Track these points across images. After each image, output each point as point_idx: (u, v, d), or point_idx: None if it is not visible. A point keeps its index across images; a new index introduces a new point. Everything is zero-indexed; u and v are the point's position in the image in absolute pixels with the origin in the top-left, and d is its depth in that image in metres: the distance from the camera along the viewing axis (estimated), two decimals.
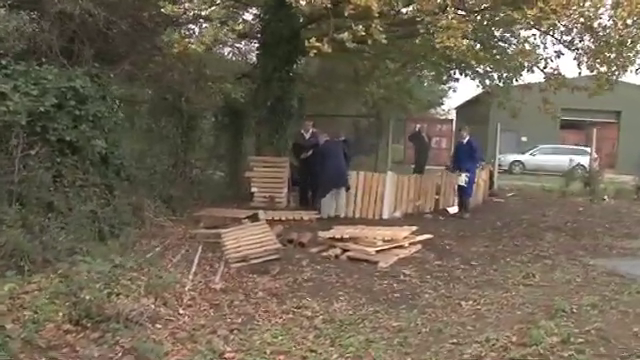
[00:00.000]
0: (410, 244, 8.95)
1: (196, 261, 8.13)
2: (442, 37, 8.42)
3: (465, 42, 8.60)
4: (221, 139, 14.66)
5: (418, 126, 22.15)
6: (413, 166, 19.46)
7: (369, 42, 8.14)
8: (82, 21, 7.91)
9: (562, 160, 27.62)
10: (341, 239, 8.93)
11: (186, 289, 6.93)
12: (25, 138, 7.23)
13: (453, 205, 13.19)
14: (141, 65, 10.03)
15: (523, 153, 29.65)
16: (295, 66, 14.07)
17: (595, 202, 15.86)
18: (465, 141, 12.75)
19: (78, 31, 8.19)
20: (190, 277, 7.41)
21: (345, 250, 8.74)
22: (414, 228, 9.57)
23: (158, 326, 5.73)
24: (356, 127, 26.67)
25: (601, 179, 18.00)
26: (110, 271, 6.37)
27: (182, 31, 10.09)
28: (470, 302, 6.54)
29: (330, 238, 9.07)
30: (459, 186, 12.60)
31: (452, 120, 29.98)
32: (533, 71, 13.96)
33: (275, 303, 6.73)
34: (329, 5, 8.34)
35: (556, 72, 11.48)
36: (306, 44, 8.31)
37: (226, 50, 19.74)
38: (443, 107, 42.27)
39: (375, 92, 23.86)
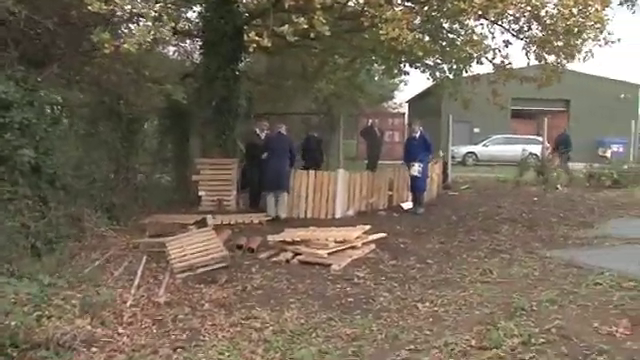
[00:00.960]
0: (363, 244, 8.70)
1: (139, 273, 7.73)
2: (387, 29, 8.19)
3: (411, 34, 8.38)
4: (166, 142, 14.20)
5: (370, 121, 22.08)
6: (366, 162, 19.34)
7: (312, 35, 7.83)
8: (1, 20, 7.39)
9: (515, 150, 27.83)
10: (292, 242, 8.63)
11: (127, 305, 6.54)
12: None
13: (407, 201, 13.02)
14: (76, 67, 9.51)
15: (476, 144, 29.81)
16: (240, 64, 13.70)
17: (549, 191, 15.93)
18: (417, 135, 12.56)
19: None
20: (132, 291, 7.01)
21: (297, 254, 8.45)
22: (367, 227, 9.33)
23: (94, 349, 5.35)
24: (307, 124, 26.40)
25: (554, 168, 18.11)
26: (42, 291, 5.95)
27: (119, 30, 9.57)
28: (427, 304, 6.31)
29: (281, 241, 8.75)
30: (412, 180, 12.40)
31: (404, 114, 30.05)
32: (482, 62, 13.94)
33: (223, 315, 6.38)
34: None
35: (505, 63, 11.40)
36: (245, 38, 7.97)
37: (171, 50, 19.28)
38: (395, 101, 42.38)
39: (325, 88, 23.65)
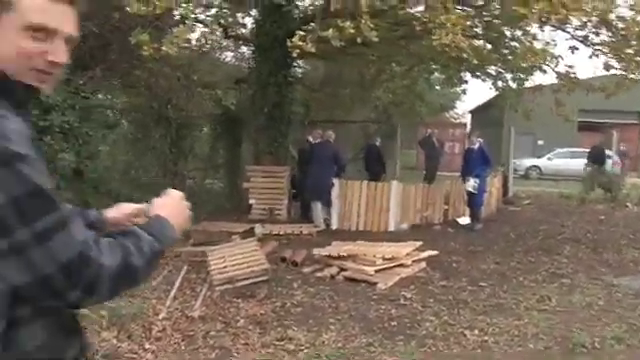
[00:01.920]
0: (413, 262, 8.20)
1: (177, 284, 7.47)
2: (441, 34, 7.70)
3: (466, 40, 7.87)
4: (218, 148, 14.04)
5: (429, 131, 21.48)
6: (424, 172, 18.83)
7: (359, 41, 7.43)
8: None
9: (581, 164, 26.80)
10: (338, 257, 8.22)
11: (159, 318, 6.26)
12: None
13: (464, 215, 12.44)
14: (123, 71, 9.40)
15: (540, 157, 28.75)
16: (294, 70, 13.41)
17: (617, 209, 15.03)
18: (476, 147, 11.96)
19: None
20: (167, 303, 6.73)
21: (342, 269, 8.03)
22: (418, 244, 8.83)
23: None
24: (365, 133, 25.97)
25: (623, 184, 17.13)
26: None
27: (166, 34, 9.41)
28: (476, 331, 5.80)
29: (326, 256, 8.35)
30: (469, 195, 11.82)
31: (465, 124, 29.25)
32: (545, 71, 13.24)
33: (257, 334, 6.01)
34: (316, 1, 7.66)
35: (570, 71, 10.71)
36: (288, 44, 7.65)
37: (229, 55, 19.25)
38: (457, 111, 41.46)
39: (384, 97, 23.21)
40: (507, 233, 11.27)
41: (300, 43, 7.64)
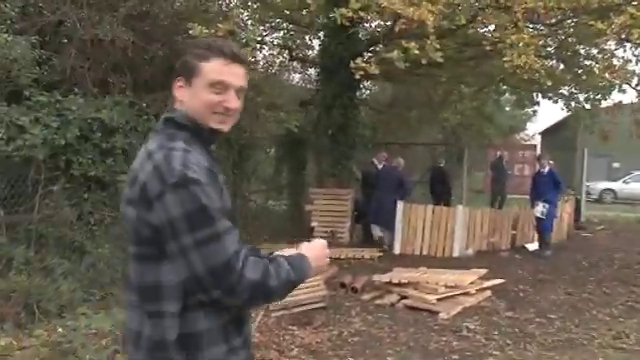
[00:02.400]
0: (478, 290, 7.80)
1: None
2: (512, 55, 7.34)
3: (539, 61, 7.49)
4: (281, 170, 13.95)
5: (499, 153, 20.86)
6: (491, 196, 18.32)
7: (424, 61, 7.16)
8: (113, 48, 7.33)
9: None
10: (399, 284, 7.90)
11: None
12: (46, 173, 6.68)
13: (532, 241, 11.89)
14: None
15: (615, 181, 27.49)
16: (360, 92, 13.24)
17: None
18: (546, 171, 11.40)
19: (110, 59, 7.61)
20: None
21: (403, 297, 7.71)
22: (483, 271, 8.40)
23: None
24: (432, 155, 25.50)
25: None
26: (113, 325, 5.65)
27: None
28: None
29: (387, 282, 8.04)
30: (538, 220, 11.27)
31: (535, 146, 28.29)
32: (624, 90, 12.59)
33: None
34: (383, 22, 7.44)
35: None
36: (352, 65, 7.46)
37: (297, 77, 19.28)
38: (527, 132, 40.31)
39: (452, 118, 22.77)
40: (579, 261, 10.66)
41: (363, 65, 7.44)
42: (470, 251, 11.33)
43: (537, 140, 38.04)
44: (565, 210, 13.32)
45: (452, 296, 7.54)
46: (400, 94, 21.19)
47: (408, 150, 21.22)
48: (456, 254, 11.18)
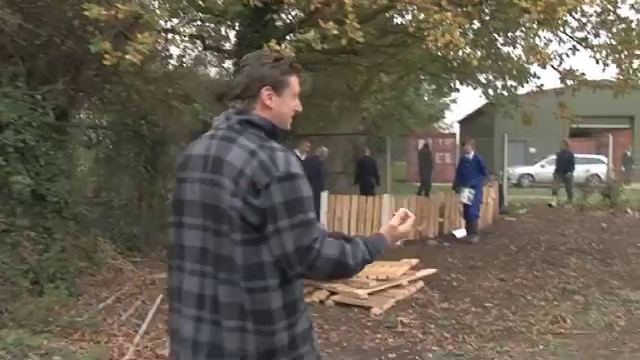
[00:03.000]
0: (410, 282, 7.42)
1: (150, 317, 6.66)
2: (436, 35, 6.97)
3: (463, 40, 7.16)
4: None
5: (423, 142, 20.80)
6: (419, 184, 18.25)
7: (344, 42, 6.68)
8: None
9: (575, 171, 26.10)
10: None
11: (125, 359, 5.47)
12: None
13: (460, 228, 11.69)
14: (89, 84, 8.61)
15: (532, 165, 28.04)
16: None
17: (618, 216, 14.33)
18: (470, 156, 11.21)
19: None
20: (135, 340, 5.93)
21: (332, 293, 7.25)
22: (415, 261, 8.06)
23: None
24: (354, 146, 25.28)
25: (622, 190, 16.43)
26: (18, 343, 4.94)
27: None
28: None
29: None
30: (465, 206, 11.06)
31: (455, 134, 28.55)
32: (539, 77, 12.60)
33: None
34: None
35: (574, 70, 10.02)
36: (264, 48, 6.92)
37: (214, 71, 18.59)
38: (445, 121, 40.79)
39: (372, 108, 22.54)
40: (507, 245, 10.52)
41: (276, 47, 6.89)
42: (398, 241, 10.99)
43: (456, 128, 38.59)
44: (490, 195, 13.23)
45: (384, 289, 7.14)
46: (320, 84, 20.79)
47: (329, 141, 20.90)
48: None
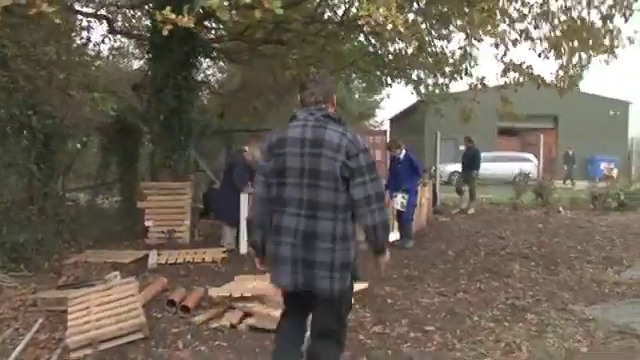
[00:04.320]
0: None
1: (21, 347, 5.24)
2: (370, 9, 5.79)
3: (401, 17, 6.02)
4: (109, 162, 11.69)
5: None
6: None
7: (258, 15, 5.42)
8: None
9: (504, 168, 25.67)
10: (241, 297, 6.15)
11: None
12: None
13: (392, 231, 10.59)
14: None
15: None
16: (194, 72, 11.26)
17: (551, 215, 13.63)
18: (402, 156, 10.09)
19: None
20: None
21: (247, 315, 5.98)
22: None
23: None
24: None
25: (554, 188, 15.81)
26: None
27: None
28: None
29: (227, 297, 6.25)
30: (398, 212, 9.95)
31: (386, 131, 27.68)
32: (471, 74, 11.82)
33: None
34: None
35: (522, 63, 9.12)
36: (157, 16, 5.61)
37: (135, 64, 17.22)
38: (376, 119, 40.00)
39: None
40: (444, 251, 9.49)
41: (172, 16, 5.56)
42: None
43: (386, 126, 37.81)
44: (424, 195, 12.22)
45: None
46: (249, 79, 19.56)
47: (257, 137, 19.58)
48: None
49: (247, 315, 5.93)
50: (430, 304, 6.27)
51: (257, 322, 5.73)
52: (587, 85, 23.05)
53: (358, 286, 6.49)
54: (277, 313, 5.62)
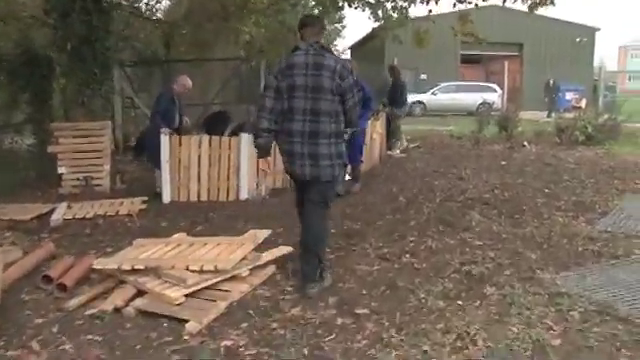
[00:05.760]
0: (253, 270, 4.92)
1: None
2: None
3: None
4: (18, 99, 10.04)
5: None
6: None
7: None
8: None
9: (467, 99, 24.45)
10: (132, 270, 4.81)
11: None
12: None
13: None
14: None
15: (424, 92, 26.09)
16: None
17: (516, 150, 12.46)
18: None
19: None
20: None
21: (140, 292, 4.67)
22: (264, 234, 5.56)
23: None
24: (237, 74, 22.27)
25: (518, 120, 14.58)
26: None
27: None
28: None
29: (117, 269, 4.90)
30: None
31: (351, 60, 26.15)
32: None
33: None
34: None
35: None
36: None
37: None
38: (337, 47, 38.07)
39: (254, 32, 19.70)
40: (395, 196, 8.24)
41: None
42: (262, 190, 8.53)
43: (347, 55, 35.98)
44: (376, 130, 10.88)
45: (211, 287, 4.62)
46: (195, 6, 17.73)
47: (205, 68, 17.98)
48: (244, 196, 8.35)
49: (140, 293, 4.62)
50: (368, 273, 5.00)
51: (147, 305, 4.42)
52: (553, 10, 21.58)
53: (278, 251, 5.23)
54: (172, 294, 4.36)
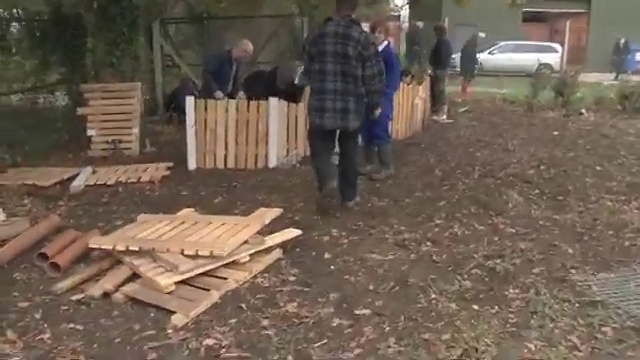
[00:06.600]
0: (255, 255, 4.52)
1: None
2: None
3: None
4: (49, 62, 9.84)
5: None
6: None
7: None
8: None
9: (526, 59, 23.16)
10: (127, 251, 4.49)
11: None
12: None
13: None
14: None
15: (481, 52, 24.81)
16: None
17: (572, 119, 11.57)
18: (381, 48, 7.58)
19: None
20: None
21: (135, 274, 4.36)
22: (274, 214, 5.14)
23: None
24: (291, 30, 21.61)
25: (577, 85, 13.54)
26: None
27: None
28: None
29: (113, 249, 4.59)
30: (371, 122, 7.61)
31: (400, 16, 25.08)
32: None
33: None
34: None
35: None
36: None
37: None
38: (395, 3, 36.64)
39: None
40: (431, 168, 7.68)
41: None
42: (293, 158, 8.12)
43: (405, 11, 34.63)
44: (419, 96, 10.22)
45: (207, 272, 4.26)
46: None
47: (252, 26, 17.37)
48: (273, 164, 7.96)
49: (134, 276, 4.31)
50: (379, 264, 4.52)
51: (137, 291, 4.09)
52: None
53: (284, 234, 4.81)
54: (162, 281, 4.03)
